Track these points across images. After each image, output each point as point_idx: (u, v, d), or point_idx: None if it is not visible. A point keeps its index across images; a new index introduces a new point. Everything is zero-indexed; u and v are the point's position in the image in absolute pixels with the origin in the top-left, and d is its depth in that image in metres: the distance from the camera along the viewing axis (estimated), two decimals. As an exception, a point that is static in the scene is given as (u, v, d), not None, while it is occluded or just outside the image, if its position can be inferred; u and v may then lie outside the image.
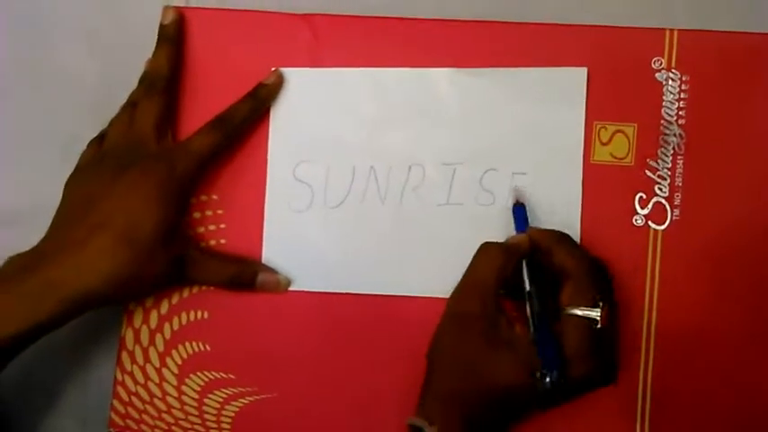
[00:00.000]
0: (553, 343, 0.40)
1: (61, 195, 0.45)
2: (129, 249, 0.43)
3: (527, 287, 0.42)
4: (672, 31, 0.46)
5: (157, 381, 0.47)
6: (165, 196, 0.44)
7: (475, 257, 0.43)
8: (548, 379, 0.39)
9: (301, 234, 0.48)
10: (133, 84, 0.47)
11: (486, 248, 0.43)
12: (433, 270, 0.46)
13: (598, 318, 0.40)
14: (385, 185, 0.48)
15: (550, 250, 0.43)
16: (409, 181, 0.47)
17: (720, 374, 0.46)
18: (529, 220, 0.45)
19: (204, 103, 0.47)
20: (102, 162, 0.45)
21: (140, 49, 0.48)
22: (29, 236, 0.44)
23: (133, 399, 0.47)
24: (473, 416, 0.41)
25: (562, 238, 0.44)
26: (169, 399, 0.47)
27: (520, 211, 0.45)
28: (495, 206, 0.47)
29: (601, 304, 0.41)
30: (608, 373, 0.43)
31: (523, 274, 0.43)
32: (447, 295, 0.44)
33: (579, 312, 0.41)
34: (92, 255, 0.42)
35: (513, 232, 0.45)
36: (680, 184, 0.46)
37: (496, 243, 0.43)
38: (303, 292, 0.47)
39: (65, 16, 0.51)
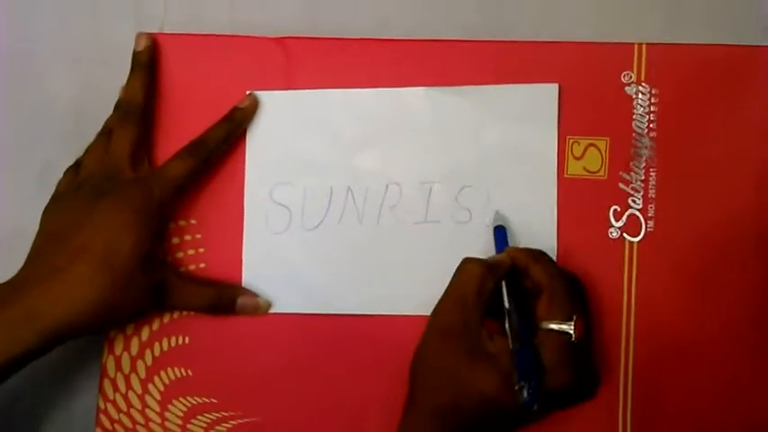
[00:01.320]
0: (531, 356, 0.41)
1: (39, 224, 0.45)
2: (108, 276, 0.43)
3: (506, 304, 0.43)
4: (640, 45, 0.47)
5: (140, 408, 0.47)
6: (142, 222, 0.44)
7: (456, 272, 0.44)
8: (525, 391, 0.39)
9: (280, 256, 0.48)
10: (109, 110, 0.48)
11: (468, 263, 0.44)
12: (412, 288, 0.47)
13: (572, 331, 0.41)
14: (362, 205, 0.48)
15: (527, 267, 0.43)
16: (386, 200, 0.48)
17: (699, 383, 0.46)
18: (509, 242, 0.46)
19: (180, 129, 0.47)
20: (79, 190, 0.45)
21: (116, 76, 0.48)
22: (6, 264, 0.44)
23: (116, 426, 0.47)
24: (456, 430, 0.41)
25: (539, 255, 0.44)
26: (152, 425, 0.47)
27: (500, 233, 0.46)
28: (472, 223, 0.47)
29: (575, 318, 0.41)
30: (587, 387, 0.43)
31: (503, 291, 0.43)
32: (427, 313, 0.44)
33: (554, 326, 0.41)
34: (71, 283, 0.42)
35: (491, 247, 0.46)
36: (653, 196, 0.47)
37: (477, 258, 0.44)
38: (283, 314, 0.47)
39: (40, 43, 0.51)
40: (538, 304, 0.42)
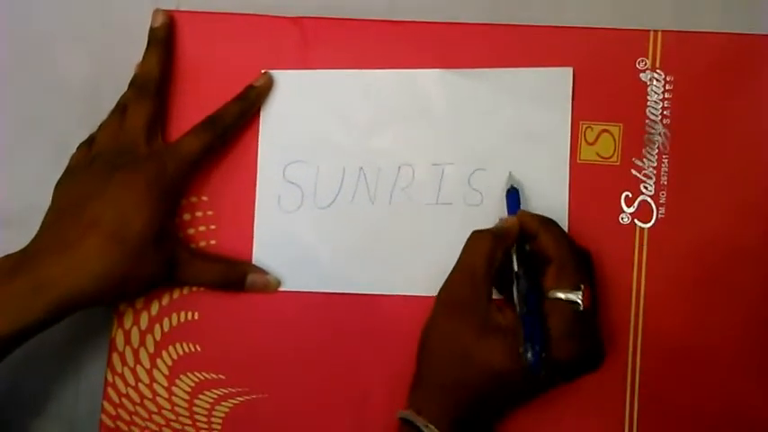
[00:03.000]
0: (537, 320, 0.41)
1: (52, 197, 0.45)
2: (119, 249, 0.43)
3: (515, 268, 0.43)
4: (656, 32, 0.47)
5: (148, 382, 0.47)
6: (155, 197, 0.44)
7: (465, 246, 0.44)
8: (529, 353, 0.39)
9: (291, 234, 0.48)
10: (124, 87, 0.48)
11: (476, 236, 0.44)
12: (422, 269, 0.47)
13: (579, 300, 0.41)
14: (374, 186, 0.48)
15: (537, 234, 0.43)
16: (398, 181, 0.48)
17: (708, 370, 0.46)
18: (521, 205, 0.46)
19: (194, 106, 0.47)
20: (93, 164, 0.45)
21: (131, 53, 0.48)
22: (20, 238, 0.44)
23: (124, 400, 0.47)
24: (464, 405, 0.41)
25: (549, 222, 0.44)
26: (160, 400, 0.47)
27: (513, 196, 0.46)
28: (483, 205, 0.47)
29: (582, 287, 0.41)
30: (592, 358, 0.43)
31: (512, 256, 0.43)
32: (436, 294, 0.44)
33: (562, 295, 0.41)
34: (82, 255, 0.42)
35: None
36: (665, 183, 0.47)
37: (486, 230, 0.44)
38: (293, 292, 0.47)
39: (55, 20, 0.51)
40: (546, 273, 0.42)
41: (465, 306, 0.42)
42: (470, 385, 0.41)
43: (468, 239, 0.44)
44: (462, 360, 0.41)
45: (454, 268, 0.43)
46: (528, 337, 0.40)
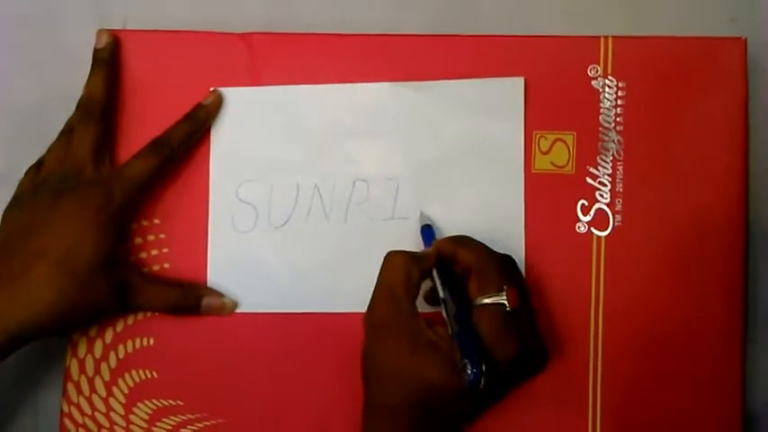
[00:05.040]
0: (471, 334, 0.40)
1: (-1, 226, 0.44)
2: (68, 278, 0.42)
3: (440, 294, 0.42)
4: (606, 38, 0.47)
5: (105, 411, 0.46)
6: (103, 223, 0.43)
7: (381, 266, 0.43)
8: (469, 370, 0.39)
9: (247, 255, 0.47)
10: (72, 108, 0.47)
11: (391, 256, 0.43)
12: (380, 286, 0.46)
13: (505, 301, 0.41)
14: (329, 203, 0.47)
15: (454, 253, 0.43)
16: (353, 197, 0.47)
17: (667, 376, 0.46)
18: (436, 237, 0.45)
19: (143, 127, 0.47)
20: (40, 190, 0.44)
21: (78, 74, 0.47)
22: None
23: (81, 430, 0.46)
24: (417, 425, 0.40)
25: (463, 239, 0.44)
26: (117, 429, 0.46)
27: (427, 232, 0.46)
28: (439, 219, 0.47)
29: (506, 288, 0.41)
30: (535, 359, 0.43)
31: (436, 283, 0.43)
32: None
33: (487, 300, 0.41)
34: (31, 285, 0.42)
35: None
36: (620, 190, 0.47)
37: (400, 250, 0.43)
38: (250, 313, 0.47)
39: (1, 44, 0.50)
40: (469, 285, 0.42)
41: (392, 325, 0.41)
42: (415, 404, 0.40)
43: (384, 259, 0.43)
44: (401, 379, 0.41)
45: (374, 289, 0.43)
46: (464, 354, 0.39)
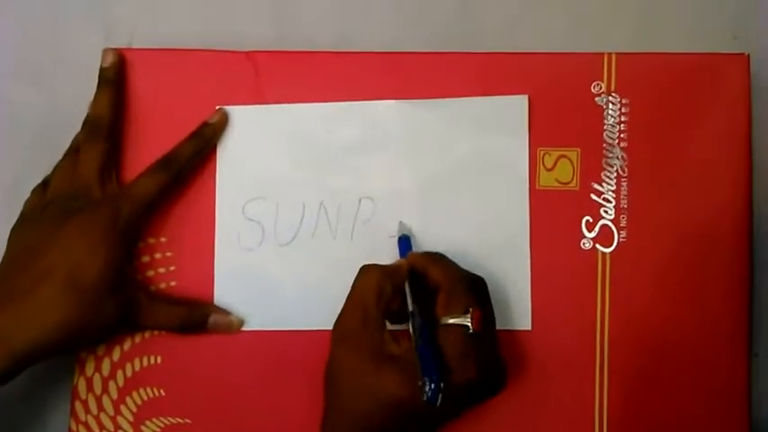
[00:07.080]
0: (433, 352, 0.40)
1: (6, 245, 0.44)
2: (75, 297, 0.42)
3: (410, 307, 0.42)
4: (610, 54, 0.47)
5: (113, 429, 0.46)
6: (110, 242, 0.43)
7: (355, 279, 0.43)
8: (427, 386, 0.39)
9: (253, 273, 0.47)
10: (78, 126, 0.47)
11: (365, 269, 0.43)
12: (386, 303, 0.46)
13: (469, 323, 0.41)
14: (335, 220, 0.47)
15: (426, 269, 0.43)
16: (359, 214, 0.47)
17: (674, 390, 0.46)
18: (413, 249, 0.46)
19: (149, 145, 0.47)
20: (46, 210, 0.45)
21: (84, 91, 0.47)
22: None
23: (89, 449, 0.47)
24: None
25: (437, 257, 0.44)
26: (125, 447, 0.47)
27: (404, 242, 0.46)
28: (444, 236, 0.47)
29: (471, 310, 0.41)
30: (493, 381, 0.42)
31: (407, 294, 0.43)
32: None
33: (452, 320, 0.41)
34: (38, 305, 0.42)
35: (462, 260, 0.45)
36: (625, 206, 0.47)
37: (375, 264, 0.43)
38: (257, 331, 0.47)
39: (6, 59, 0.50)
40: (437, 303, 0.42)
41: (357, 337, 0.42)
42: (375, 417, 0.40)
43: (358, 273, 0.43)
44: (361, 392, 0.41)
45: (346, 301, 0.43)
46: (425, 371, 0.39)
